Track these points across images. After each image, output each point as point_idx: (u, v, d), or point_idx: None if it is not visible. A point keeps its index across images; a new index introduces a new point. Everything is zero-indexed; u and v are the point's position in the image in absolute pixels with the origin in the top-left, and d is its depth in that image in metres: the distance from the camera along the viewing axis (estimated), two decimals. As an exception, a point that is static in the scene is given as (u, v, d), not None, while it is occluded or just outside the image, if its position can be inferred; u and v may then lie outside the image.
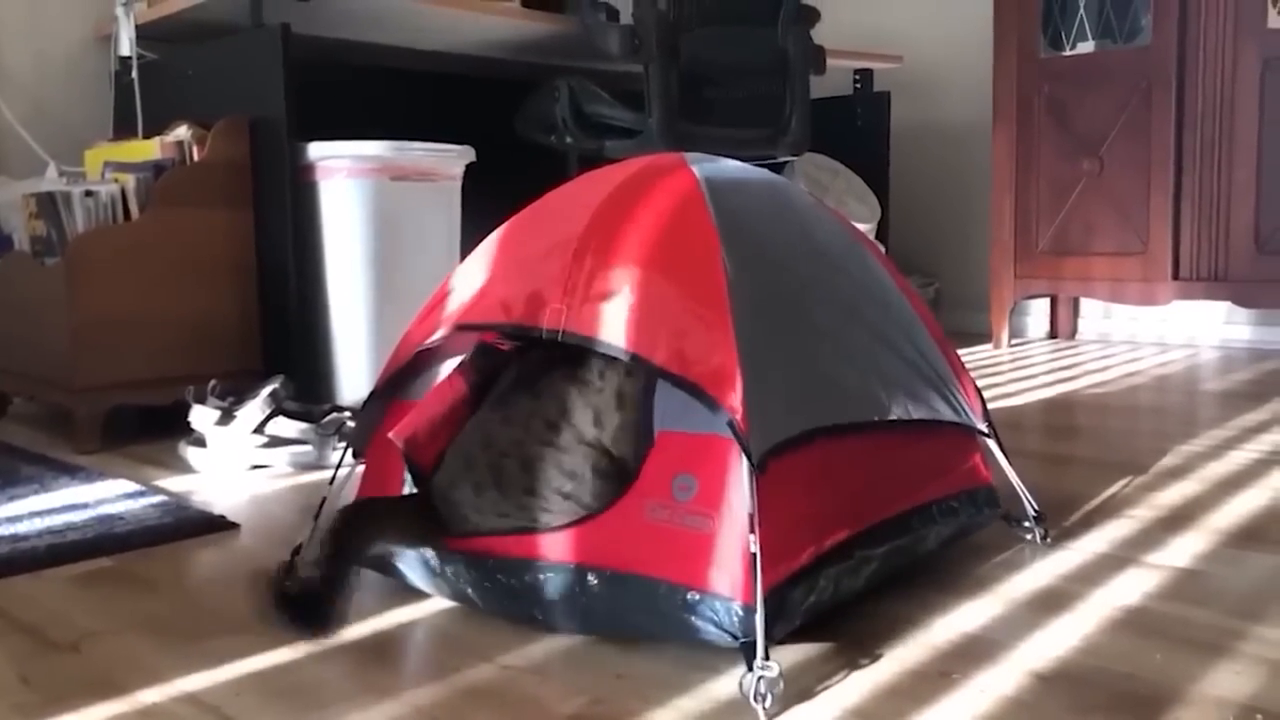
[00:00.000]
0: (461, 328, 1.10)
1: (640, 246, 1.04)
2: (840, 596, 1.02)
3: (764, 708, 0.87)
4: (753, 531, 0.90)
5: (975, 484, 1.24)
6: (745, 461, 0.92)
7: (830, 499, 1.02)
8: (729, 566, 0.93)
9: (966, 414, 1.22)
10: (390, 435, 1.11)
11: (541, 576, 1.01)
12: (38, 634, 1.07)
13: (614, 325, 0.99)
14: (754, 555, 0.90)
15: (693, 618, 0.94)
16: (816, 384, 1.03)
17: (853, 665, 0.96)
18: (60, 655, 1.02)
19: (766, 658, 0.88)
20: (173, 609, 1.14)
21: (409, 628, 1.07)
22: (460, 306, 1.11)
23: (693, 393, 0.95)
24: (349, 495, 1.23)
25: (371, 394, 1.20)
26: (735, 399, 0.93)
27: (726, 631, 0.93)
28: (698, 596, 0.94)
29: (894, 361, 1.13)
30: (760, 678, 0.87)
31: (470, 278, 1.14)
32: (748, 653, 0.89)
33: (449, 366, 1.18)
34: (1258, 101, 2.83)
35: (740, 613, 0.92)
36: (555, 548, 1.02)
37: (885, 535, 1.07)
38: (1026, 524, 1.33)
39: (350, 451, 1.23)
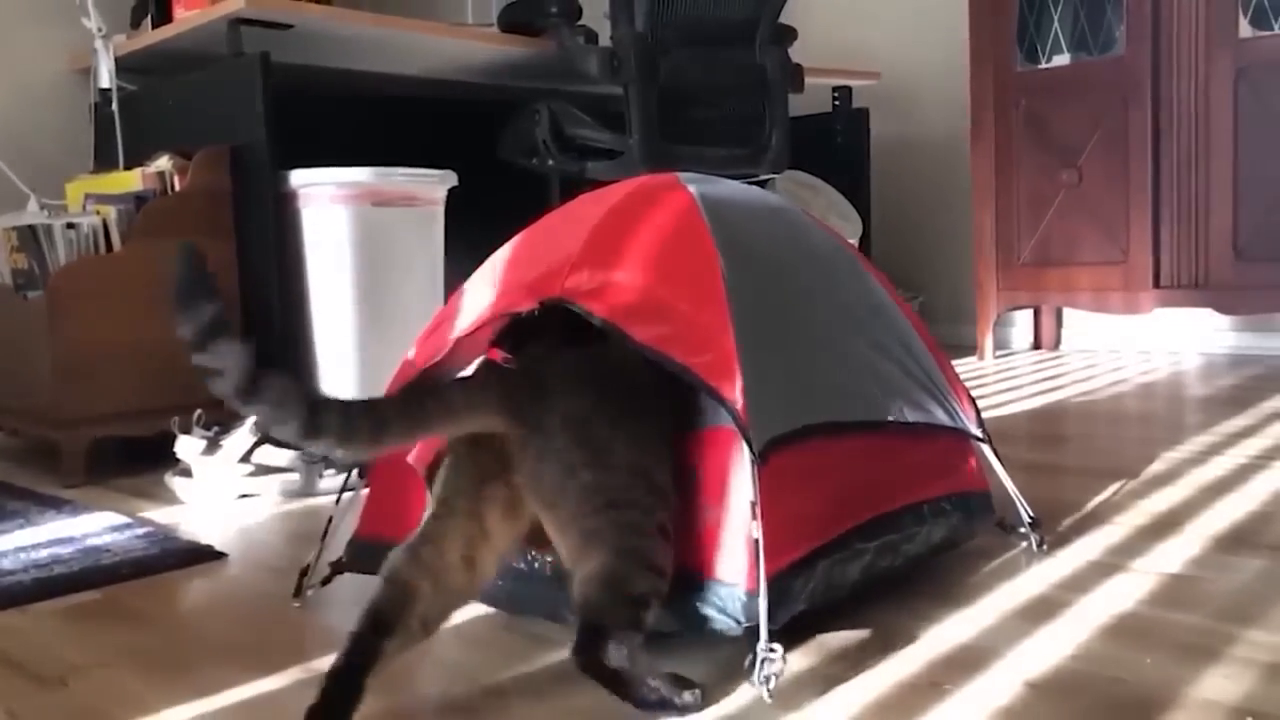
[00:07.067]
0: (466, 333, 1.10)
1: (639, 258, 1.06)
2: (834, 585, 1.03)
3: (768, 689, 0.88)
4: (755, 519, 0.91)
5: (970, 489, 1.25)
6: (747, 451, 0.93)
7: (828, 496, 1.04)
8: (733, 554, 0.97)
9: (961, 420, 1.23)
10: (410, 460, 1.11)
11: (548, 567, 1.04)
12: (25, 669, 1.06)
13: (611, 315, 1.00)
14: (756, 541, 0.91)
15: (699, 605, 0.97)
16: (814, 384, 1.05)
17: (846, 677, 0.96)
18: (48, 690, 1.01)
19: (771, 641, 0.89)
20: (161, 641, 1.14)
21: (400, 653, 1.07)
22: (462, 328, 1.12)
23: (695, 380, 0.96)
24: (353, 518, 1.23)
25: None
26: (736, 391, 0.95)
27: (731, 617, 0.95)
28: (704, 584, 0.97)
29: (889, 366, 1.15)
30: (765, 659, 0.88)
31: (471, 299, 1.14)
32: (751, 638, 0.91)
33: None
34: (1232, 109, 2.86)
35: (744, 598, 0.95)
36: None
37: (879, 530, 1.09)
38: (1021, 530, 1.33)
39: (356, 472, 1.23)
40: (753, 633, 0.91)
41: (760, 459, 0.93)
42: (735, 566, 0.96)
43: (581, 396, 0.95)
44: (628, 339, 0.98)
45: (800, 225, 1.22)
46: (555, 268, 1.07)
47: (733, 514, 0.98)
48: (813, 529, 1.01)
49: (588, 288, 1.03)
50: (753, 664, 0.89)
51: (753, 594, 0.94)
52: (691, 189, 1.15)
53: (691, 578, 0.98)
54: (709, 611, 0.96)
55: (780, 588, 0.95)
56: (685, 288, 1.03)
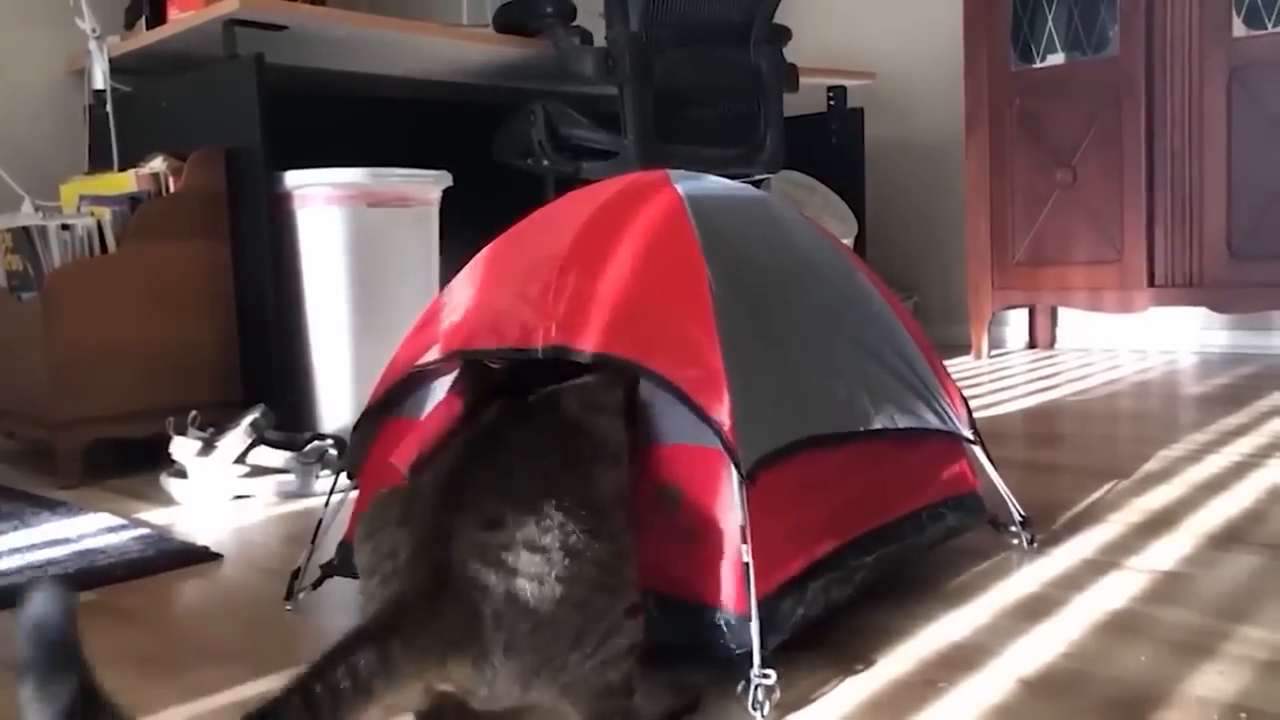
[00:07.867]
0: (451, 355, 1.09)
1: (625, 263, 1.05)
2: (831, 605, 1.02)
3: (762, 715, 0.88)
4: (745, 542, 0.90)
5: (962, 490, 1.25)
6: (735, 472, 0.92)
7: (820, 509, 1.03)
8: (722, 577, 0.94)
9: (952, 421, 1.23)
10: (393, 461, 1.11)
11: None
12: (20, 670, 1.06)
13: (600, 339, 0.99)
14: (747, 565, 0.90)
15: (689, 626, 0.95)
16: (803, 395, 1.03)
17: (841, 677, 0.96)
18: (43, 691, 1.01)
19: (763, 666, 0.88)
20: (157, 642, 1.14)
21: (395, 653, 1.07)
22: (450, 326, 1.11)
23: (681, 399, 0.95)
24: (344, 519, 1.23)
25: (364, 413, 1.19)
26: (723, 410, 0.93)
27: (722, 642, 0.93)
28: (692, 607, 0.95)
29: (879, 371, 1.14)
30: (757, 686, 0.88)
31: (458, 297, 1.14)
32: (743, 662, 0.90)
33: (443, 383, 1.18)
34: (1225, 108, 2.87)
35: (734, 622, 0.93)
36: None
37: (874, 544, 1.08)
38: (1013, 529, 1.33)
39: (344, 473, 1.23)
40: (745, 654, 0.90)
41: (749, 479, 0.92)
42: (725, 589, 0.94)
43: (539, 524, 0.78)
44: (610, 363, 0.96)
45: (790, 225, 1.21)
46: (544, 264, 1.06)
47: (720, 536, 0.95)
48: (805, 544, 1.00)
49: (570, 312, 1.01)
50: (745, 688, 0.88)
51: (743, 616, 0.92)
52: (679, 188, 1.14)
53: (678, 600, 0.95)
54: (698, 633, 0.94)
55: (770, 608, 0.93)
56: (671, 297, 1.01)
